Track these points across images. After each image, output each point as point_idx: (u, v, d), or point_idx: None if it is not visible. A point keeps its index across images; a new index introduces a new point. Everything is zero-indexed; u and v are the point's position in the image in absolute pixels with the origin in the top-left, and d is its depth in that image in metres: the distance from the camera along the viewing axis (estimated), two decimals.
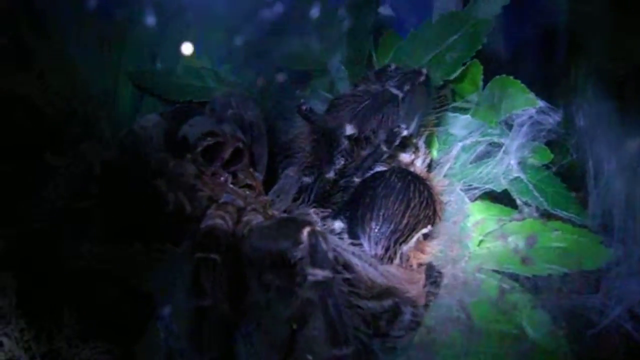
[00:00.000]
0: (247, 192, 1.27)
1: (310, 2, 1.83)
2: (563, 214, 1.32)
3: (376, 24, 1.72)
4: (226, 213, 1.15)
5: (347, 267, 1.14)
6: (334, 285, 1.01)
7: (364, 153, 1.39)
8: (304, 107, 1.35)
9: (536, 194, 1.36)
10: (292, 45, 1.84)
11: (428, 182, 1.39)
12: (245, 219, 1.18)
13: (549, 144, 1.43)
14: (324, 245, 1.02)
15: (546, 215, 1.34)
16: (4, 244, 1.33)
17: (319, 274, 1.01)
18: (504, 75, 1.52)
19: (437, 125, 1.52)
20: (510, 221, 1.33)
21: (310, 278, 1.01)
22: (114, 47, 1.90)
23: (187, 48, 1.91)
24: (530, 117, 1.44)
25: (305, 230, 1.03)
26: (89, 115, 1.89)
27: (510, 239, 1.30)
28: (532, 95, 1.45)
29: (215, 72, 1.80)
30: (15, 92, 1.91)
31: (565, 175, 1.41)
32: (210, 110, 1.38)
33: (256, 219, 1.18)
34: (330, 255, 1.03)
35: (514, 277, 1.25)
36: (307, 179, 1.39)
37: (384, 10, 1.85)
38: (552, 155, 1.42)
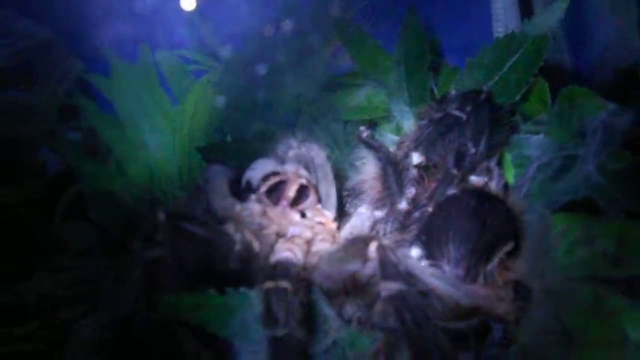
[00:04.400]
0: (317, 224, 1.24)
1: (370, 53, 1.84)
2: None
3: (434, 60, 1.69)
4: (294, 245, 1.13)
5: (429, 289, 1.09)
6: (410, 297, 0.97)
7: (434, 180, 1.36)
8: (364, 134, 1.33)
9: (619, 196, 1.29)
10: (356, 97, 1.84)
11: (505, 201, 1.34)
12: (314, 249, 1.16)
13: (625, 145, 1.36)
14: (392, 258, 0.98)
15: (631, 216, 1.27)
16: (96, 330, 1.34)
17: (392, 286, 0.96)
18: (570, 86, 1.48)
19: (508, 147, 1.47)
20: (596, 226, 1.26)
21: (383, 293, 0.96)
22: (184, 128, 1.94)
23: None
24: (603, 121, 1.38)
25: (372, 245, 1.00)
26: (168, 198, 1.92)
27: (597, 243, 1.22)
28: (601, 99, 1.39)
29: (284, 135, 1.80)
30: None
31: None
32: (273, 153, 1.38)
33: (325, 248, 1.15)
34: (402, 267, 0.98)
35: (607, 281, 1.17)
36: (379, 213, 1.36)
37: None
38: (630, 157, 1.35)
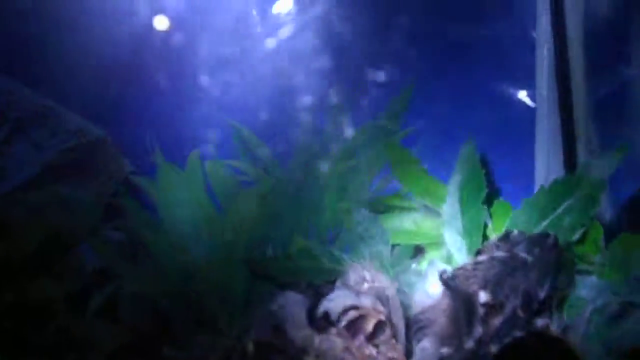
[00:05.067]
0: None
1: (418, 177, 1.88)
2: None
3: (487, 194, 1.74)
4: None
5: None
6: None
7: (499, 320, 1.38)
8: (445, 275, 1.36)
9: None
10: (404, 221, 1.87)
11: (567, 347, 1.36)
12: None
13: None
14: None
15: None
16: None
17: None
18: (626, 233, 1.52)
19: (568, 288, 1.50)
20: None
21: None
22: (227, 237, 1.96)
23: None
24: None
25: None
26: (203, 303, 1.92)
27: None
28: None
29: (329, 252, 1.82)
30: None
31: None
32: (346, 284, 1.40)
33: None
34: None
35: None
36: (445, 350, 1.38)
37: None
38: None
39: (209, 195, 2.03)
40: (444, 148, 1.87)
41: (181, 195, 2.00)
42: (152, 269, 2.02)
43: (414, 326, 1.47)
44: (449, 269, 1.63)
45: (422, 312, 1.47)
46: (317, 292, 1.36)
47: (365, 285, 1.37)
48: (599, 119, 1.94)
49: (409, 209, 1.89)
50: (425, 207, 1.85)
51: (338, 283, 1.42)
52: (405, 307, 1.57)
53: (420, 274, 1.74)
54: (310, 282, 1.70)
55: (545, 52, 1.92)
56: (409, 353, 1.41)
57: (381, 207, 1.95)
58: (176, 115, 2.18)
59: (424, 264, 1.79)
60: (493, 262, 1.44)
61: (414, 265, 1.79)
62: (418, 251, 1.85)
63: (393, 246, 1.84)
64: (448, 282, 1.36)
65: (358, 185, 2.06)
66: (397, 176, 1.93)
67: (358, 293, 1.34)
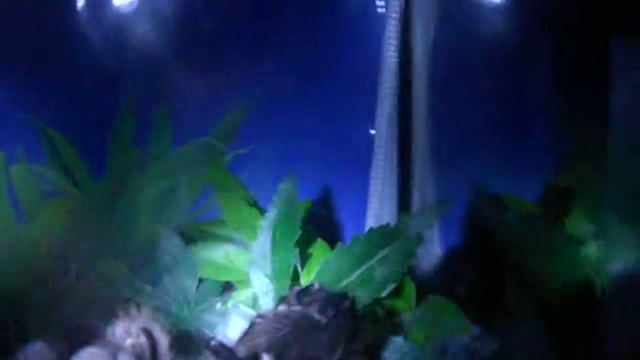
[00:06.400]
0: None
1: (239, 207, 1.75)
2: None
3: (307, 230, 1.61)
4: None
5: None
6: None
7: None
8: (214, 343, 1.22)
9: None
10: (216, 253, 1.73)
11: None
12: None
13: None
14: None
15: None
16: None
17: None
18: (437, 297, 1.43)
19: (366, 353, 1.39)
20: None
21: None
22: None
23: None
24: (465, 346, 1.33)
25: None
26: None
27: None
28: (466, 321, 1.35)
29: (131, 281, 1.67)
30: None
31: None
32: (111, 336, 1.24)
33: None
34: None
35: None
36: None
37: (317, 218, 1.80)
38: None
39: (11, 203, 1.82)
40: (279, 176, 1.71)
41: None
42: None
43: None
44: (251, 314, 1.51)
45: None
46: (74, 340, 1.19)
47: (129, 341, 1.21)
48: (438, 166, 1.85)
49: (225, 240, 1.73)
50: (241, 238, 1.70)
51: (108, 332, 1.25)
52: (199, 353, 1.43)
53: (224, 315, 1.61)
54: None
55: (387, 87, 1.80)
56: None
57: (197, 234, 1.79)
58: None
59: (229, 304, 1.64)
60: (287, 319, 1.31)
61: (219, 305, 1.65)
62: (228, 287, 1.71)
63: (201, 280, 1.69)
64: (219, 351, 1.21)
65: (176, 207, 1.89)
66: (219, 201, 1.77)
67: (118, 350, 1.18)
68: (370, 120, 1.83)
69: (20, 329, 1.58)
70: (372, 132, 1.82)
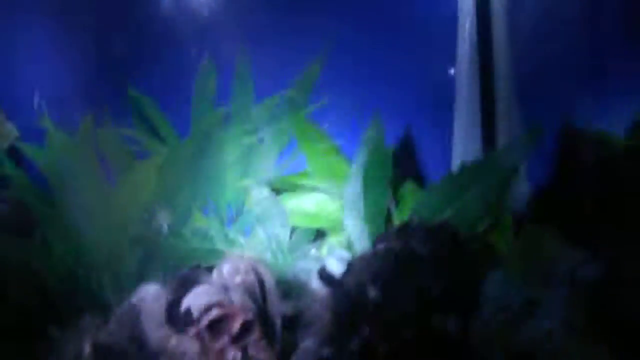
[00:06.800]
0: None
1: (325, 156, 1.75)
2: None
3: (395, 177, 1.61)
4: None
5: None
6: None
7: (389, 318, 1.25)
8: (325, 271, 1.23)
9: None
10: (306, 202, 1.74)
11: (464, 346, 1.25)
12: None
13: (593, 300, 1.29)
14: None
15: None
16: None
17: None
18: (535, 225, 1.41)
19: (469, 283, 1.38)
20: None
21: None
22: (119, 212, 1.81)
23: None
24: (569, 271, 1.31)
25: None
26: (92, 283, 1.78)
27: None
28: (568, 247, 1.33)
29: (224, 233, 1.69)
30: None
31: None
32: (218, 276, 1.26)
33: None
34: None
35: None
36: (326, 351, 1.24)
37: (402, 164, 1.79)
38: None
39: (101, 165, 1.86)
40: (362, 125, 1.71)
41: (72, 165, 1.83)
42: (40, 245, 1.86)
43: (300, 322, 1.33)
44: (348, 256, 1.52)
45: (309, 307, 1.33)
46: (185, 282, 1.21)
47: (238, 279, 1.23)
48: (523, 101, 1.82)
49: (312, 190, 1.74)
50: (330, 188, 1.71)
51: (214, 274, 1.27)
52: (299, 297, 1.44)
53: (319, 261, 1.62)
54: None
55: (467, 27, 1.77)
56: (289, 352, 1.27)
57: (285, 186, 1.80)
58: (65, 77, 2.00)
59: (324, 250, 1.66)
60: (388, 254, 1.31)
61: (313, 251, 1.66)
62: (320, 235, 1.72)
63: (293, 229, 1.71)
64: (329, 279, 1.22)
65: (262, 161, 1.91)
66: (304, 153, 1.78)
67: (227, 288, 1.20)
68: (451, 61, 1.80)
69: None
70: (453, 71, 1.79)
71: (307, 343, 1.27)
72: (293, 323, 1.35)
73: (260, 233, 1.70)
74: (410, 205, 1.58)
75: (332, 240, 1.66)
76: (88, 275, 1.79)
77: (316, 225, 1.71)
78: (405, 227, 1.37)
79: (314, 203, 1.72)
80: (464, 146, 1.82)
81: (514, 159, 1.50)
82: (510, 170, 1.48)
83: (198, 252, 1.68)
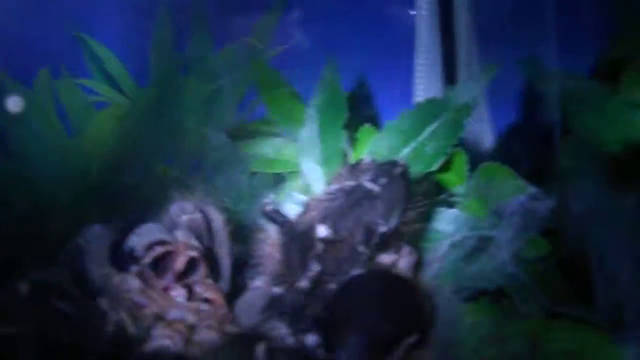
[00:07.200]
0: (202, 307, 1.11)
1: (284, 100, 1.73)
2: (566, 311, 1.16)
3: (353, 119, 1.59)
4: (175, 332, 1.00)
5: None
6: None
7: (340, 256, 1.24)
8: (268, 208, 1.22)
9: (535, 290, 1.21)
10: (265, 147, 1.73)
11: (413, 285, 1.24)
12: (197, 338, 1.03)
13: (543, 234, 1.29)
14: None
15: (548, 314, 1.18)
16: None
17: None
18: (490, 162, 1.40)
19: (422, 221, 1.37)
20: (509, 323, 1.17)
21: None
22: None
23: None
24: (522, 205, 1.30)
25: (260, 349, 0.87)
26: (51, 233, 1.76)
27: (509, 343, 1.13)
28: (521, 182, 1.32)
29: (184, 181, 1.67)
30: None
31: (565, 267, 1.26)
32: (164, 216, 1.25)
33: (211, 338, 1.02)
34: None
35: None
36: (277, 290, 1.24)
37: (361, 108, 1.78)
38: (548, 247, 1.27)
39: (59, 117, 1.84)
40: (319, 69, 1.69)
41: (29, 117, 1.81)
42: None
43: (250, 263, 1.33)
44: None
45: (261, 249, 1.32)
46: (131, 223, 1.20)
47: (184, 217, 1.22)
48: (484, 42, 1.80)
49: (271, 135, 1.73)
50: (288, 133, 1.70)
51: (161, 215, 1.26)
52: (247, 240, 1.43)
53: (278, 206, 1.61)
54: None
55: None
56: (239, 292, 1.27)
57: (245, 133, 1.79)
58: (20, 28, 1.96)
59: (282, 195, 1.64)
60: (340, 192, 1.29)
61: (272, 196, 1.65)
62: (279, 180, 1.71)
63: (252, 175, 1.69)
64: (274, 217, 1.21)
65: (222, 109, 1.89)
66: (263, 99, 1.76)
67: (172, 227, 1.18)
68: (410, 2, 1.78)
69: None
70: (413, 13, 1.77)
71: (257, 282, 1.26)
72: (243, 264, 1.35)
73: (219, 180, 1.69)
74: (366, 147, 1.56)
75: (291, 184, 1.65)
76: (46, 225, 1.77)
77: (275, 170, 1.70)
78: (356, 166, 1.36)
79: (272, 148, 1.71)
80: (424, 90, 1.81)
81: (470, 96, 1.48)
82: (466, 107, 1.46)
83: (154, 199, 1.66)
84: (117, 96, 1.95)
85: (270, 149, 1.71)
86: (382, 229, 1.22)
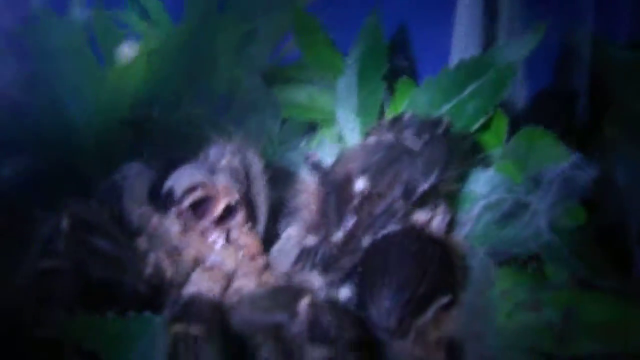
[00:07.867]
0: (240, 254, 1.10)
1: (320, 47, 1.70)
2: (603, 282, 1.15)
3: (390, 71, 1.56)
4: (213, 278, 0.99)
5: None
6: None
7: (377, 210, 1.23)
8: (313, 158, 1.20)
9: (571, 260, 1.19)
10: (298, 94, 1.70)
11: (447, 245, 1.23)
12: (235, 285, 1.02)
13: (584, 202, 1.27)
14: (325, 319, 0.85)
15: (583, 284, 1.17)
16: None
17: (320, 353, 0.84)
18: (532, 126, 1.37)
19: (459, 181, 1.35)
20: (544, 291, 1.16)
21: (308, 358, 0.84)
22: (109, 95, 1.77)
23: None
24: (562, 172, 1.28)
25: (304, 301, 0.87)
26: (81, 168, 1.75)
27: (543, 312, 1.12)
28: (564, 148, 1.30)
29: (214, 121, 1.65)
30: None
31: (604, 238, 1.24)
32: (204, 158, 1.23)
33: (248, 286, 1.02)
34: (334, 331, 0.86)
35: (549, 357, 1.07)
36: (311, 240, 1.23)
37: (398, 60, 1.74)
38: (587, 216, 1.25)
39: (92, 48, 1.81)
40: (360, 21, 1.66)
41: (60, 45, 1.78)
42: (26, 128, 1.83)
43: (283, 210, 1.31)
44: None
45: (295, 195, 1.31)
46: (170, 163, 1.19)
47: (224, 161, 1.20)
48: (527, 3, 1.76)
49: (306, 82, 1.70)
50: (324, 80, 1.67)
51: (200, 158, 1.25)
52: (284, 187, 1.42)
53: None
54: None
55: None
56: (272, 240, 1.26)
57: (278, 77, 1.76)
58: None
59: (314, 143, 1.63)
60: (379, 146, 1.27)
61: (303, 144, 1.63)
62: (312, 128, 1.69)
63: (285, 121, 1.68)
64: (316, 166, 1.19)
65: (256, 51, 1.86)
66: (299, 45, 1.73)
67: (212, 170, 1.17)
68: None
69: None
70: None
71: (291, 231, 1.25)
72: (279, 210, 1.33)
73: (250, 124, 1.67)
74: (404, 101, 1.54)
75: (324, 133, 1.63)
76: (77, 160, 1.76)
77: (308, 117, 1.68)
78: (397, 120, 1.34)
79: (307, 95, 1.69)
80: (463, 47, 1.77)
81: (513, 56, 1.44)
82: (510, 67, 1.43)
83: (187, 138, 1.65)
84: (149, 30, 1.91)
85: (304, 95, 1.69)
86: (422, 186, 1.20)
